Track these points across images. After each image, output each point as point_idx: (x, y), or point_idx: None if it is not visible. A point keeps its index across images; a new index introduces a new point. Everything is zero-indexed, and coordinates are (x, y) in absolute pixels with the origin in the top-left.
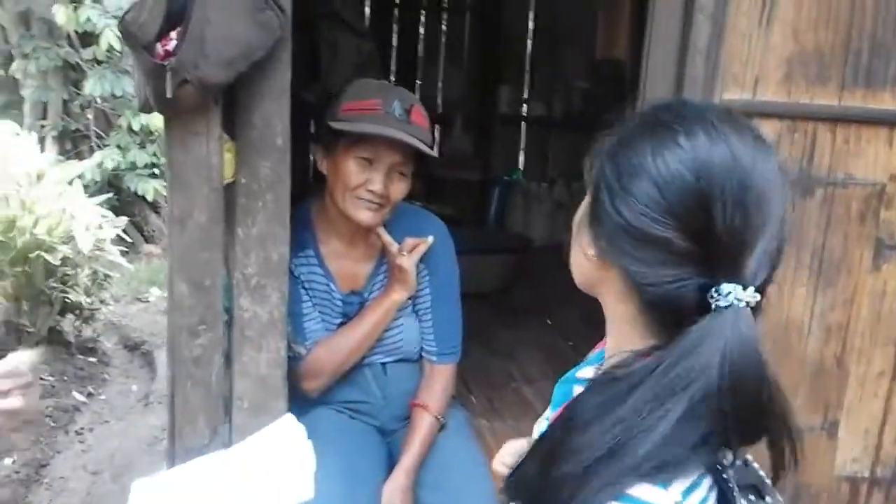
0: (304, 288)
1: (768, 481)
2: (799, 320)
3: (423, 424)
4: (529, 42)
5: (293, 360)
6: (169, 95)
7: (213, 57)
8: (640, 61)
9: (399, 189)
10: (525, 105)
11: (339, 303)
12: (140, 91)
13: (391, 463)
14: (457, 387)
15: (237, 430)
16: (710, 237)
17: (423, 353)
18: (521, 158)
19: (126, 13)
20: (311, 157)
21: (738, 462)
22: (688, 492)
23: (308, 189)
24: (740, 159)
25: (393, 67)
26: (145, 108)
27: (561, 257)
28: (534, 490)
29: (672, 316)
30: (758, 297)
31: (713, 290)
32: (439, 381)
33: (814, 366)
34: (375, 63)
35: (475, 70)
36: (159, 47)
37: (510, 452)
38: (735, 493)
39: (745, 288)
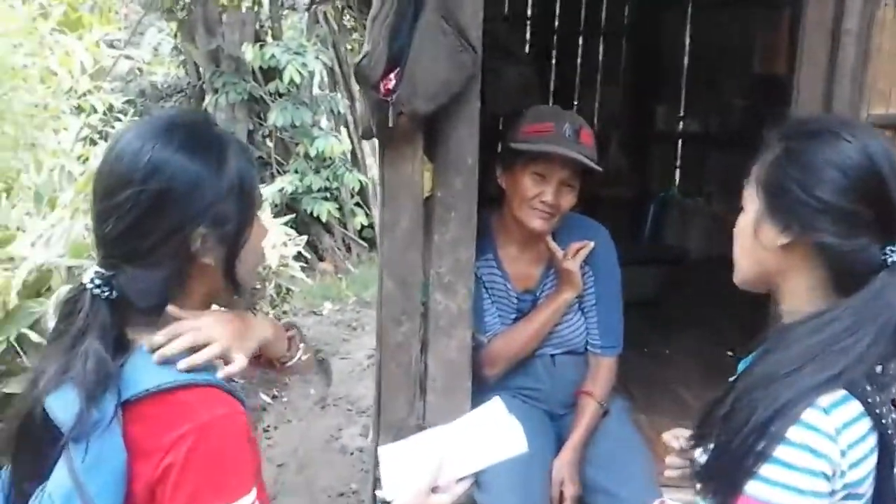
0: (484, 287)
1: None
2: None
3: (589, 409)
4: (686, 61)
5: (475, 349)
6: (391, 125)
7: (421, 92)
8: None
9: (568, 200)
10: (681, 122)
11: (515, 300)
12: (364, 121)
13: (560, 443)
14: (617, 388)
15: (430, 407)
16: (886, 206)
17: (589, 347)
18: (677, 174)
19: (360, 60)
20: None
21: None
22: (846, 425)
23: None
24: (889, 149)
25: (552, 89)
26: (367, 135)
27: (717, 269)
28: (723, 423)
29: (855, 278)
30: None
31: (891, 249)
32: (603, 371)
33: None
34: (535, 86)
35: (631, 89)
36: (382, 86)
37: (681, 433)
38: (891, 432)
39: None
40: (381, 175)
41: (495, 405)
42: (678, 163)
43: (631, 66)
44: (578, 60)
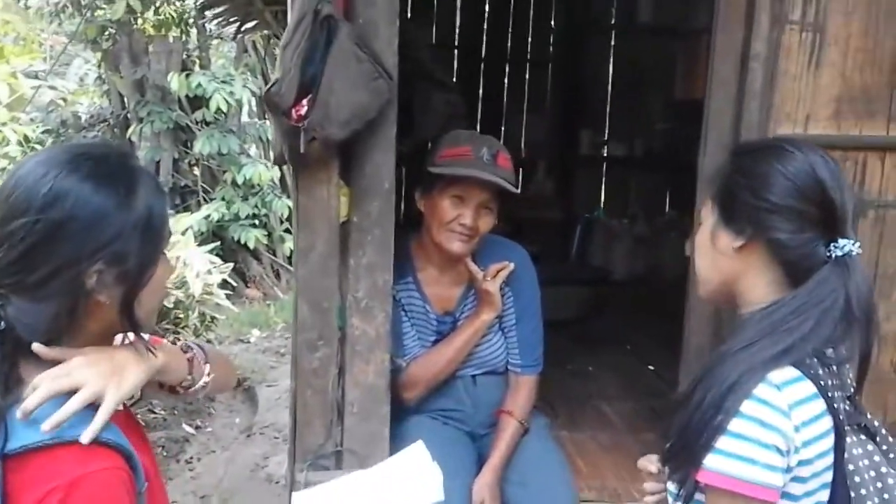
0: (403, 310)
1: (881, 428)
2: None
3: (509, 428)
4: (609, 87)
5: (394, 372)
6: (302, 151)
7: (335, 119)
8: None
9: (486, 222)
10: (606, 146)
11: (435, 322)
12: (276, 147)
13: (480, 463)
14: (539, 404)
15: (348, 432)
16: (829, 206)
17: (509, 366)
18: (602, 197)
19: (270, 86)
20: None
21: (850, 406)
22: (799, 403)
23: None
24: (829, 161)
25: (479, 116)
26: (279, 161)
27: (639, 288)
28: (683, 406)
29: (804, 273)
30: (860, 250)
31: (833, 244)
32: (523, 390)
33: (872, 373)
34: (462, 114)
35: (557, 115)
36: (293, 112)
37: (654, 458)
38: (842, 419)
39: (853, 242)
40: (294, 200)
41: (418, 450)
42: (603, 185)
43: (556, 92)
44: (505, 88)
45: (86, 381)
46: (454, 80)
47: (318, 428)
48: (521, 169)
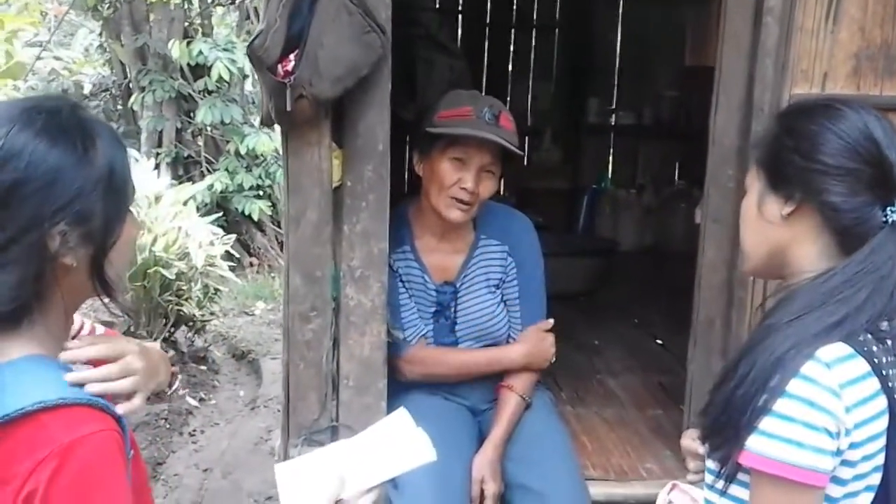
0: (401, 281)
1: None
2: None
3: (510, 403)
4: (618, 54)
5: (391, 345)
6: (289, 109)
7: (325, 75)
8: None
9: (488, 187)
10: (614, 115)
11: (434, 293)
12: (263, 107)
13: (481, 439)
14: (544, 379)
15: (343, 406)
16: (885, 166)
17: (511, 339)
18: (610, 167)
19: (253, 39)
20: (406, 169)
21: None
22: (851, 382)
23: (403, 197)
24: (881, 119)
25: (484, 83)
26: (267, 122)
27: (647, 260)
28: (726, 380)
29: (858, 239)
30: None
31: (889, 208)
32: None
33: None
34: (467, 80)
35: (564, 83)
36: (280, 68)
37: (693, 434)
38: None
39: None
40: (284, 164)
41: (400, 416)
42: (611, 155)
43: (563, 59)
44: (511, 54)
45: (135, 372)
46: (458, 45)
47: (313, 402)
48: (526, 137)
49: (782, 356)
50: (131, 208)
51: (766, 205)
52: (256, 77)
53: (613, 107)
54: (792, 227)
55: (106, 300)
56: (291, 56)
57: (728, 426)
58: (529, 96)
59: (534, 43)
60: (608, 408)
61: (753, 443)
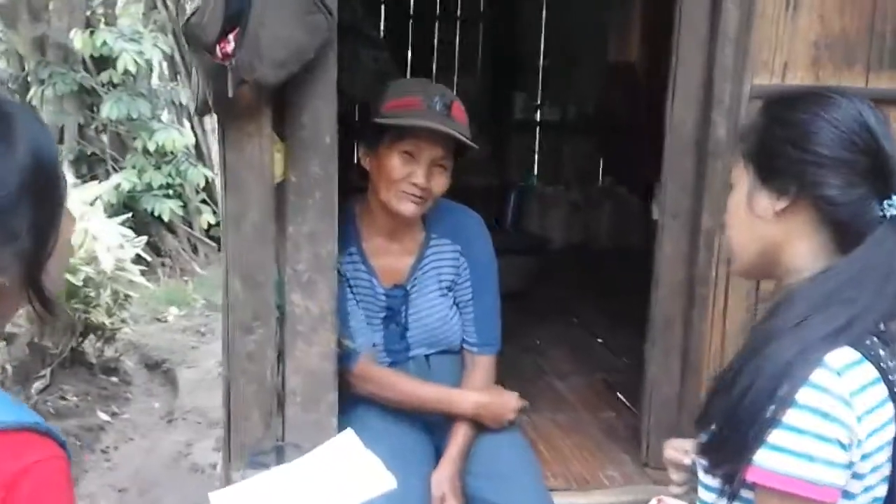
0: (349, 286)
1: None
2: None
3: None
4: (542, 49)
5: (343, 356)
6: (230, 95)
7: (267, 58)
8: (652, 63)
9: (440, 183)
10: (539, 110)
11: (383, 297)
12: (198, 92)
13: (438, 454)
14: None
15: (290, 423)
16: (882, 157)
17: (464, 345)
18: (536, 163)
19: (190, 17)
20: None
21: None
22: (863, 388)
23: (347, 196)
24: (874, 109)
25: (408, 76)
26: (202, 110)
27: (578, 257)
28: (727, 391)
29: (855, 236)
30: None
31: (887, 202)
32: (481, 371)
33: None
34: (392, 72)
35: (489, 78)
36: (218, 49)
37: (679, 445)
38: None
39: None
40: (221, 158)
41: (348, 438)
42: (537, 151)
43: (488, 53)
44: (435, 47)
45: None
46: (381, 37)
47: (256, 420)
48: None
49: (790, 363)
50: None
51: (757, 200)
52: (192, 59)
53: (539, 102)
54: (785, 223)
55: (41, 312)
56: (230, 36)
57: (733, 440)
58: (454, 91)
59: (458, 36)
60: (560, 412)
61: (762, 458)
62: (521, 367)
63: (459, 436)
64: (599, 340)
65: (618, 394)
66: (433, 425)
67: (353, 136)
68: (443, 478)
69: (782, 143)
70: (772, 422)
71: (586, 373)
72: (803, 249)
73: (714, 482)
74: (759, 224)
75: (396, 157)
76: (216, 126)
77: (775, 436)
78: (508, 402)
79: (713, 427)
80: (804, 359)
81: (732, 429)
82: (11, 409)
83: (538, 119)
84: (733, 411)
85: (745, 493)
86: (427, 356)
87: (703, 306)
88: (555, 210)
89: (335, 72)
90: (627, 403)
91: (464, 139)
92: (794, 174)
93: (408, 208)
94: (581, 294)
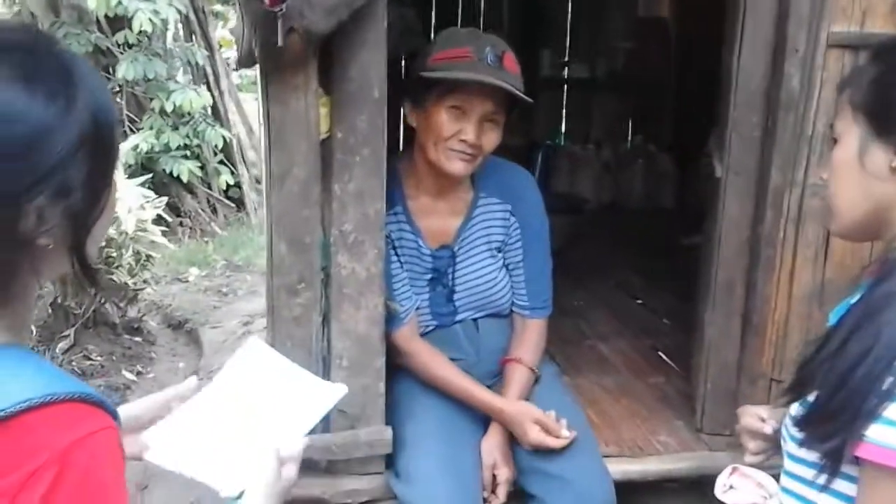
0: (393, 247)
1: None
2: None
3: (518, 377)
4: (570, 4)
5: (388, 319)
6: (280, 43)
7: (317, 5)
8: (683, 18)
9: (491, 139)
10: (567, 68)
11: (430, 259)
12: (242, 43)
13: (487, 421)
14: (547, 352)
15: None
16: None
17: (514, 308)
18: (564, 122)
19: None
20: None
21: None
22: None
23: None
24: None
25: (432, 34)
26: (246, 62)
27: (611, 217)
28: (832, 361)
29: None
30: None
31: None
32: (532, 335)
33: None
34: (417, 29)
35: (515, 34)
36: None
37: (755, 412)
38: None
39: None
40: (265, 113)
41: (257, 349)
42: (564, 109)
43: (514, 9)
44: (460, 3)
45: None
46: None
47: None
48: None
49: None
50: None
51: (871, 155)
52: (239, 8)
53: (566, 59)
54: None
55: (82, 278)
56: None
57: (842, 413)
58: None
59: None
60: (606, 376)
61: (876, 433)
62: (562, 330)
63: (511, 398)
64: (639, 301)
65: (666, 358)
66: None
67: (400, 91)
68: (493, 445)
69: None
70: (889, 395)
71: (629, 335)
72: None
73: (811, 456)
74: (871, 182)
75: (445, 113)
76: (258, 80)
77: (893, 410)
78: (531, 429)
79: (813, 397)
80: None
81: (841, 400)
82: (62, 381)
83: (566, 76)
84: (842, 381)
85: (847, 469)
86: (475, 320)
87: (768, 268)
88: (584, 169)
89: (385, 22)
90: (676, 367)
91: (517, 92)
92: None
93: (457, 167)
94: (616, 254)
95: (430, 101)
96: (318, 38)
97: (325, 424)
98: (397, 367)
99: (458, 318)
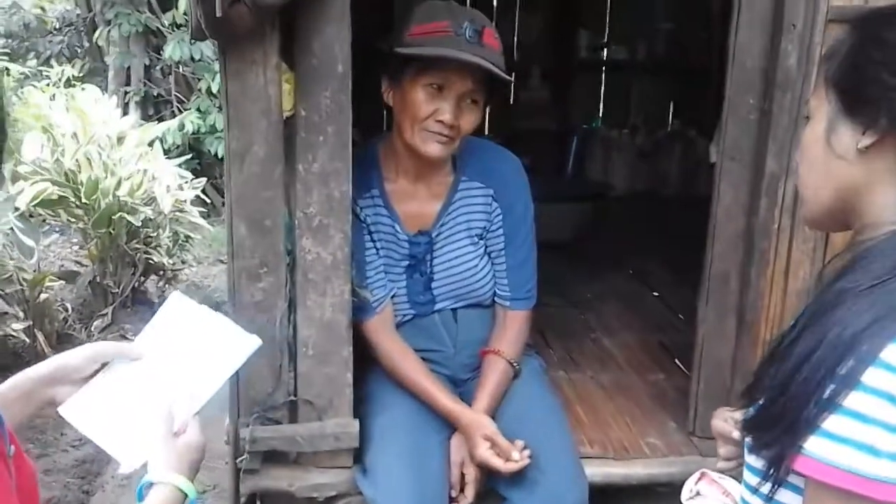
0: (368, 231)
1: None
2: None
3: (496, 370)
4: None
5: (358, 308)
6: (218, 15)
7: None
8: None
9: (470, 119)
10: (605, 50)
11: (406, 244)
12: (191, 15)
13: None
14: (533, 338)
15: (302, 378)
16: None
17: (496, 299)
18: (601, 106)
19: None
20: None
21: None
22: None
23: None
24: None
25: None
26: (197, 35)
27: (640, 205)
28: (781, 360)
29: None
30: None
31: None
32: (513, 327)
33: None
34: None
35: (552, 15)
36: None
37: (728, 415)
38: None
39: None
40: (223, 89)
41: (179, 302)
42: (602, 93)
43: None
44: None
45: None
46: None
47: (265, 374)
48: (513, 74)
49: (858, 334)
50: None
51: (838, 135)
52: None
53: (605, 41)
54: (869, 164)
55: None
56: None
57: (781, 420)
58: (515, 30)
59: None
60: (605, 372)
61: (815, 446)
62: (567, 323)
63: (486, 394)
64: (655, 294)
65: (669, 353)
66: (458, 381)
67: (377, 66)
68: (462, 442)
69: (876, 66)
70: (829, 404)
71: (637, 330)
72: (889, 197)
73: (758, 464)
74: (837, 163)
75: (421, 92)
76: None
77: (833, 422)
78: (476, 446)
79: (762, 401)
80: (876, 330)
81: (783, 407)
82: None
83: (604, 59)
84: (785, 385)
85: (794, 479)
86: (454, 309)
87: (762, 261)
88: (619, 155)
89: None
90: (680, 364)
91: (497, 71)
92: (887, 105)
93: (433, 149)
94: (640, 244)
95: (406, 78)
96: (270, 9)
97: (293, 414)
98: (364, 354)
99: (437, 307)
